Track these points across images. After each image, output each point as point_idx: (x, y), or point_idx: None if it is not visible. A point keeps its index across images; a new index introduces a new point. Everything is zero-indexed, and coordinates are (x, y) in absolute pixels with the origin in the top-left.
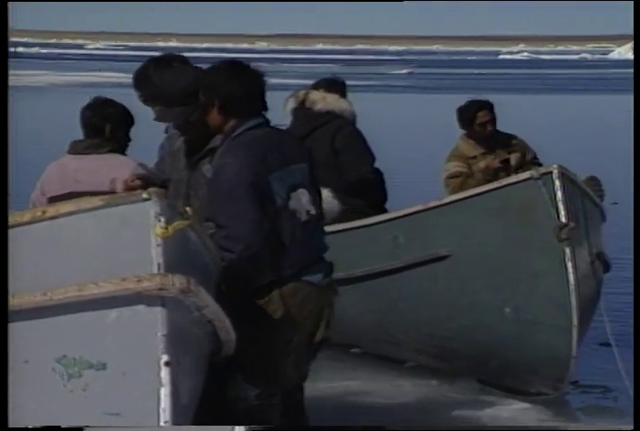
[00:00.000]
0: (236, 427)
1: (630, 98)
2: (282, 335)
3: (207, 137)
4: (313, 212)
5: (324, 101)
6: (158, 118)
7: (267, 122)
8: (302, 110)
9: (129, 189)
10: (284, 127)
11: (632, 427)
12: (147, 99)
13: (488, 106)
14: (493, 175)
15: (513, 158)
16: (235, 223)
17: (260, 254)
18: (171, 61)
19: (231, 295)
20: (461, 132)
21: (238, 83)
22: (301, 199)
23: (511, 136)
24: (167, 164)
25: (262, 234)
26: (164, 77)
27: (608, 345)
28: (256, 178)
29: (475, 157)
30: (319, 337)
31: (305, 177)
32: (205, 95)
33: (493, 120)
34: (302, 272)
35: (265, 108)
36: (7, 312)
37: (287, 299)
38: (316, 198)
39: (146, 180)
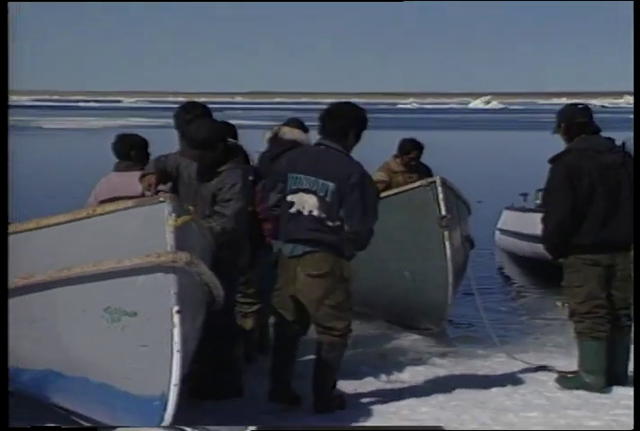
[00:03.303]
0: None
1: (485, 134)
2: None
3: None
4: (315, 213)
5: (291, 133)
6: (183, 154)
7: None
8: (276, 139)
9: (147, 184)
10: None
11: (632, 428)
12: (182, 138)
13: (419, 147)
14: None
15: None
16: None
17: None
18: (198, 112)
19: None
20: (390, 155)
21: None
22: (306, 200)
23: (424, 165)
24: (176, 168)
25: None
26: (190, 128)
27: (472, 294)
28: (276, 175)
29: (397, 172)
30: (294, 289)
31: (324, 190)
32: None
33: (418, 157)
34: (282, 247)
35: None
36: (7, 321)
37: (278, 263)
38: (324, 206)
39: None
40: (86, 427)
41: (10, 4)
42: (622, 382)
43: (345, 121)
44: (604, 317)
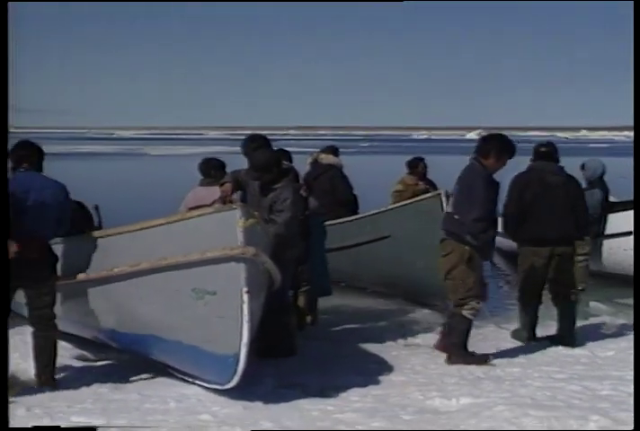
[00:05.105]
0: None
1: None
2: None
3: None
4: (449, 210)
5: (327, 158)
6: (248, 174)
7: None
8: (315, 163)
9: (224, 190)
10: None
11: (632, 427)
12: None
13: (423, 161)
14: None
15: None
16: None
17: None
18: (260, 142)
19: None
20: (405, 171)
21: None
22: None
23: (430, 181)
24: (246, 181)
25: None
26: (253, 155)
27: None
28: None
29: (410, 184)
30: None
31: (455, 192)
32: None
33: (425, 169)
34: None
35: None
36: (7, 323)
37: None
38: (453, 204)
39: (232, 185)
40: (86, 427)
41: (10, 4)
42: (569, 344)
43: (488, 145)
44: (536, 290)
